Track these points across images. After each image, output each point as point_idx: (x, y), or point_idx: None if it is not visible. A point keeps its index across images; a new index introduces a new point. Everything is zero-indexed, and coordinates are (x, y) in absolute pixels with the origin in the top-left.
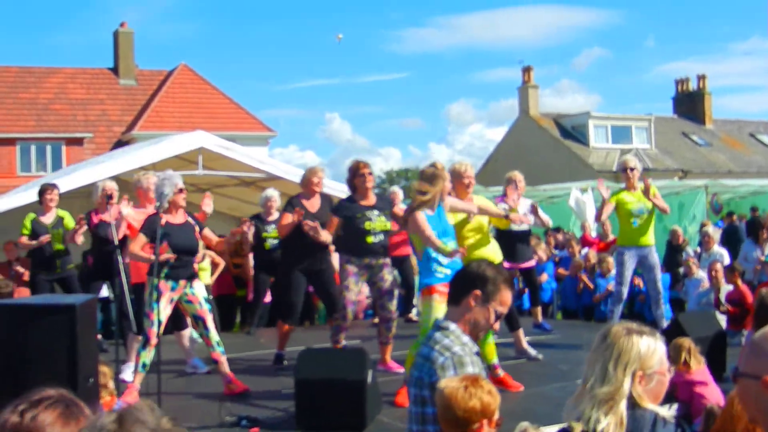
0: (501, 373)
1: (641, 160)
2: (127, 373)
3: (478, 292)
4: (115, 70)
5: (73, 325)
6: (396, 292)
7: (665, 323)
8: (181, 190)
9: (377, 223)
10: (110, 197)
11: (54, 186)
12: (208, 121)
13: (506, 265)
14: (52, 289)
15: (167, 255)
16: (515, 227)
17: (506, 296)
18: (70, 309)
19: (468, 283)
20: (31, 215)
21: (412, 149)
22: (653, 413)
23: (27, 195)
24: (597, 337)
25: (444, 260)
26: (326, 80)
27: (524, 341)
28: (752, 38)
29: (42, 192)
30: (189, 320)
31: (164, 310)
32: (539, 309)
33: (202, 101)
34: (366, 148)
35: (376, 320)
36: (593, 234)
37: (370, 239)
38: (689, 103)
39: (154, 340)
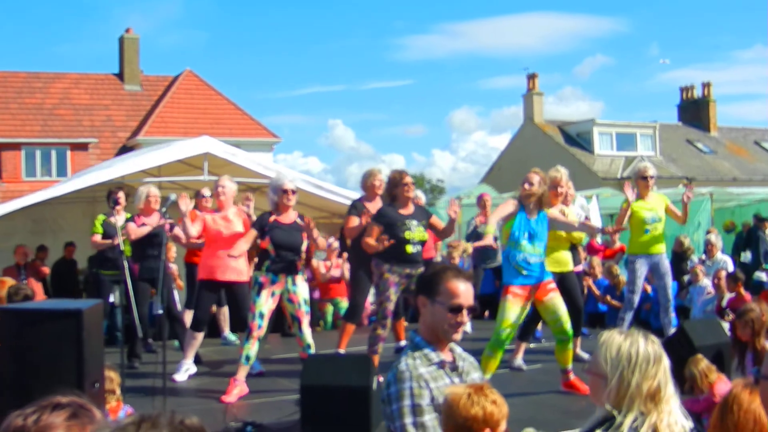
0: (572, 376)
1: None
2: (181, 373)
3: (422, 297)
4: (120, 75)
5: (80, 330)
6: None
7: (671, 331)
8: (285, 192)
9: (416, 232)
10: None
11: (121, 189)
12: (213, 127)
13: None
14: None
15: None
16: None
17: (453, 286)
18: (77, 314)
19: (417, 292)
20: (101, 217)
21: (415, 156)
22: None
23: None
24: (636, 357)
25: (526, 258)
26: (330, 87)
27: (520, 355)
28: (755, 46)
29: (111, 195)
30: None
31: (266, 303)
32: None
33: (207, 107)
34: (369, 155)
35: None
36: (599, 240)
37: (410, 248)
38: (694, 111)
39: (255, 333)
